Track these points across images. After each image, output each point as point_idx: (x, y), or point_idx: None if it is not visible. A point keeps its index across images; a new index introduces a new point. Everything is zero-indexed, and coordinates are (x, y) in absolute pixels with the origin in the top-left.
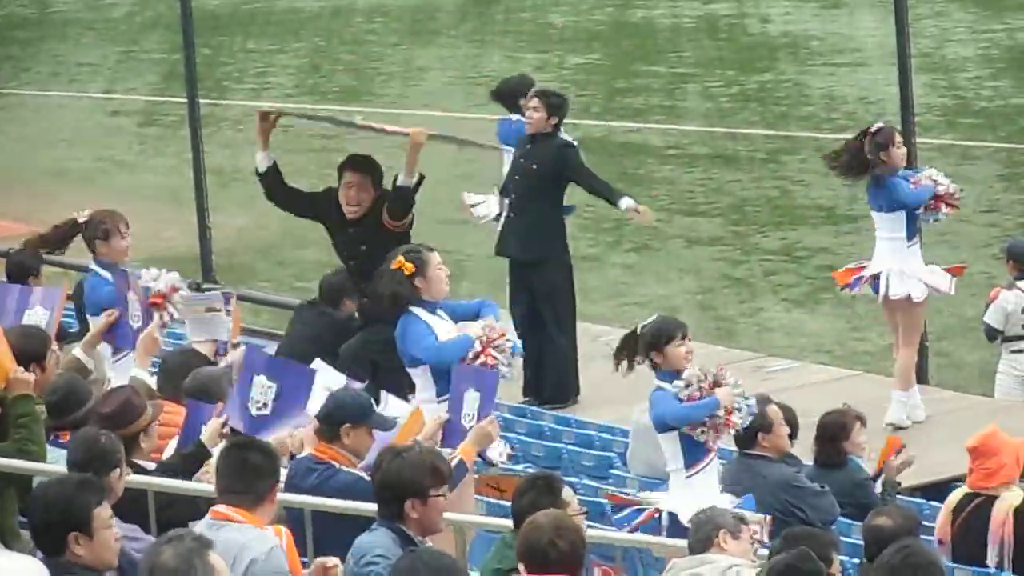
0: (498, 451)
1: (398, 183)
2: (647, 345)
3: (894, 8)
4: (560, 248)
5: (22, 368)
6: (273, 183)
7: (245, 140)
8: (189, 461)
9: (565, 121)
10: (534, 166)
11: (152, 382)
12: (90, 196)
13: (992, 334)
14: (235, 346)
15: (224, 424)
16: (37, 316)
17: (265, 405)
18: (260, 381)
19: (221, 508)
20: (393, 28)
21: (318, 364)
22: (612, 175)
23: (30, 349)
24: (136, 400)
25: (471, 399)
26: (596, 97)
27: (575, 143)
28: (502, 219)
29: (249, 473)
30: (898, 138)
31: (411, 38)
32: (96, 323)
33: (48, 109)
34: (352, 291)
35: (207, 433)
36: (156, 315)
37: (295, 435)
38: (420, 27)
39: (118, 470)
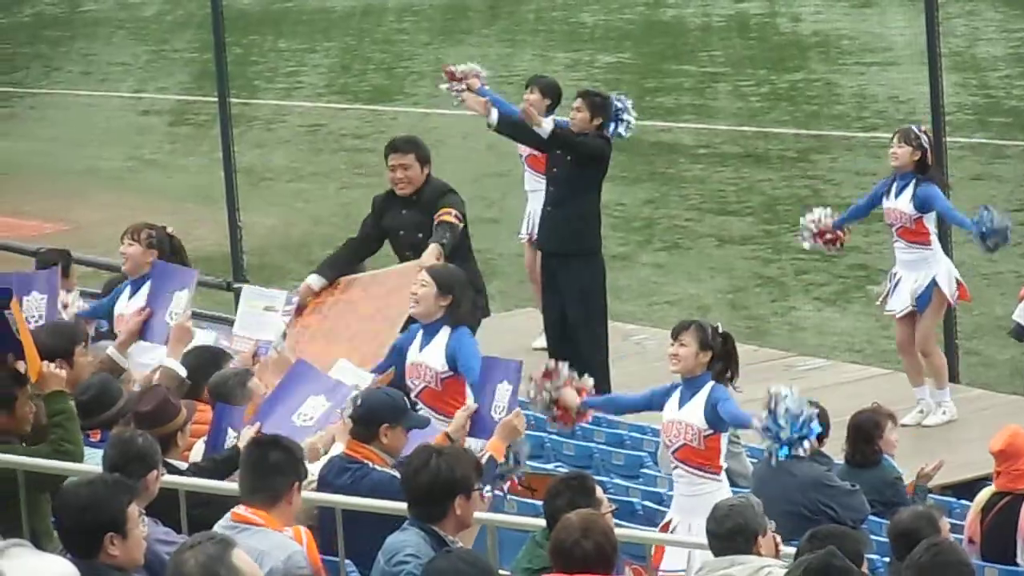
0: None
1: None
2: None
3: (924, 7)
4: (594, 242)
5: (53, 364)
6: (334, 272)
7: (276, 139)
8: (224, 466)
9: None
10: (568, 158)
11: (183, 373)
12: (121, 195)
13: (1020, 333)
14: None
15: (258, 432)
16: (35, 301)
17: (312, 419)
18: (317, 400)
19: (240, 510)
20: (424, 27)
21: (343, 364)
22: (643, 174)
23: (57, 345)
24: (173, 399)
25: (503, 391)
26: (627, 96)
27: (609, 137)
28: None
29: (268, 470)
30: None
31: (442, 37)
32: (129, 322)
33: (79, 108)
34: None
35: (242, 439)
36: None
37: (323, 435)
38: (451, 26)
39: (155, 471)
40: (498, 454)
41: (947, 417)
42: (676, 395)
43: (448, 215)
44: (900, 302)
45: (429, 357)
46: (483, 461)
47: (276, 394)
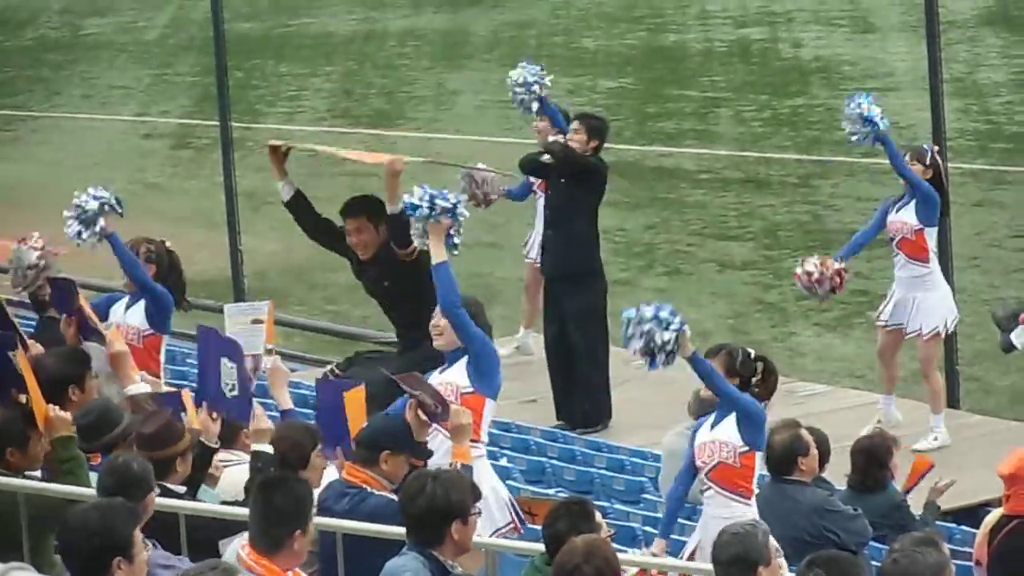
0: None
1: (388, 212)
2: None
3: (926, 33)
4: (594, 264)
5: (56, 406)
6: (300, 210)
7: None
8: (198, 463)
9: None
10: (562, 180)
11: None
12: (122, 219)
13: (1008, 347)
14: (269, 352)
15: (210, 413)
16: (226, 369)
17: (234, 387)
18: (225, 364)
19: (245, 553)
20: (425, 52)
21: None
22: (644, 199)
23: (69, 372)
24: (177, 423)
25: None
26: (628, 121)
27: (605, 161)
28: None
29: (271, 516)
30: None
31: (443, 62)
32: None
33: (81, 132)
34: None
35: (204, 430)
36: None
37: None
38: (452, 51)
39: (151, 494)
40: (466, 459)
41: (938, 443)
42: (710, 419)
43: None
44: (891, 316)
45: (452, 376)
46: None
47: (201, 371)
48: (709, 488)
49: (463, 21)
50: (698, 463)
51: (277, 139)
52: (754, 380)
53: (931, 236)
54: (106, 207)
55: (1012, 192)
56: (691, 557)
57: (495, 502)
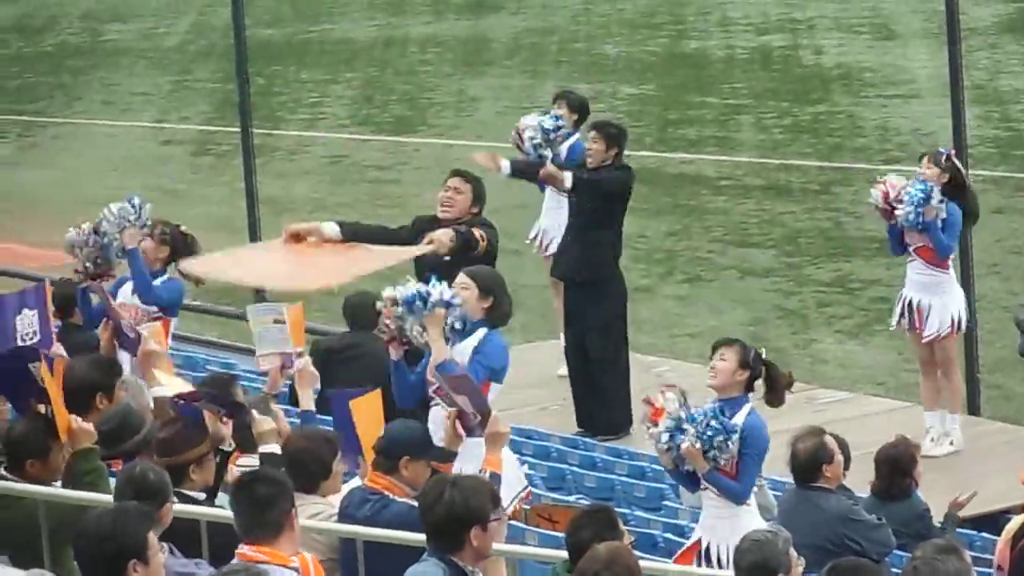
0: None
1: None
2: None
3: (947, 40)
4: (613, 271)
5: (78, 417)
6: (354, 236)
7: (299, 170)
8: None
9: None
10: (587, 189)
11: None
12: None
13: None
14: (300, 355)
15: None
16: (28, 318)
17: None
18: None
19: (245, 550)
20: (447, 58)
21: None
22: (665, 206)
23: (98, 379)
24: (195, 429)
25: (464, 402)
26: (649, 128)
27: (630, 168)
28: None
29: (259, 506)
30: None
31: (465, 68)
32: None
33: (101, 138)
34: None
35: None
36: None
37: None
38: (474, 57)
39: (168, 504)
40: (496, 468)
41: (952, 448)
42: None
43: (477, 229)
44: (931, 326)
45: (456, 355)
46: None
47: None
48: (708, 488)
49: (484, 27)
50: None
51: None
52: (759, 381)
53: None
54: (126, 222)
55: None
56: (695, 551)
57: (509, 467)
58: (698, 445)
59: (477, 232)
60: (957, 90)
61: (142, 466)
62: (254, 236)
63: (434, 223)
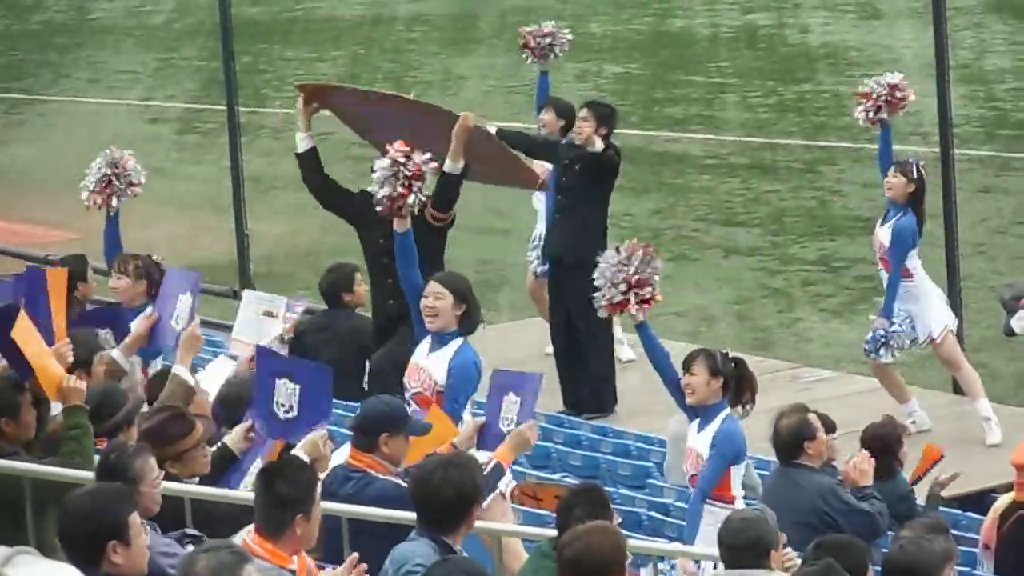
0: (504, 482)
1: (445, 169)
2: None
3: (933, 19)
4: (599, 251)
5: (73, 376)
6: (310, 166)
7: (285, 148)
8: (216, 467)
9: None
10: (576, 167)
11: (192, 381)
12: (129, 203)
13: (1010, 332)
14: (283, 341)
15: (250, 429)
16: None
17: (291, 408)
18: (283, 384)
19: (249, 538)
20: (433, 37)
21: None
22: (651, 184)
23: (77, 355)
24: (180, 421)
25: (510, 403)
26: (635, 107)
27: (618, 150)
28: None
29: (272, 501)
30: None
31: (451, 47)
32: (137, 325)
33: (87, 116)
34: (349, 284)
35: (232, 437)
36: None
37: (325, 437)
38: (460, 36)
39: (144, 488)
40: (505, 462)
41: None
42: (696, 422)
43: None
44: (922, 334)
45: (433, 366)
46: (490, 468)
47: (258, 386)
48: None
49: (470, 6)
50: (684, 466)
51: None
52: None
53: (912, 257)
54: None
55: (1018, 179)
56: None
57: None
58: None
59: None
60: (942, 69)
61: (118, 451)
62: (240, 214)
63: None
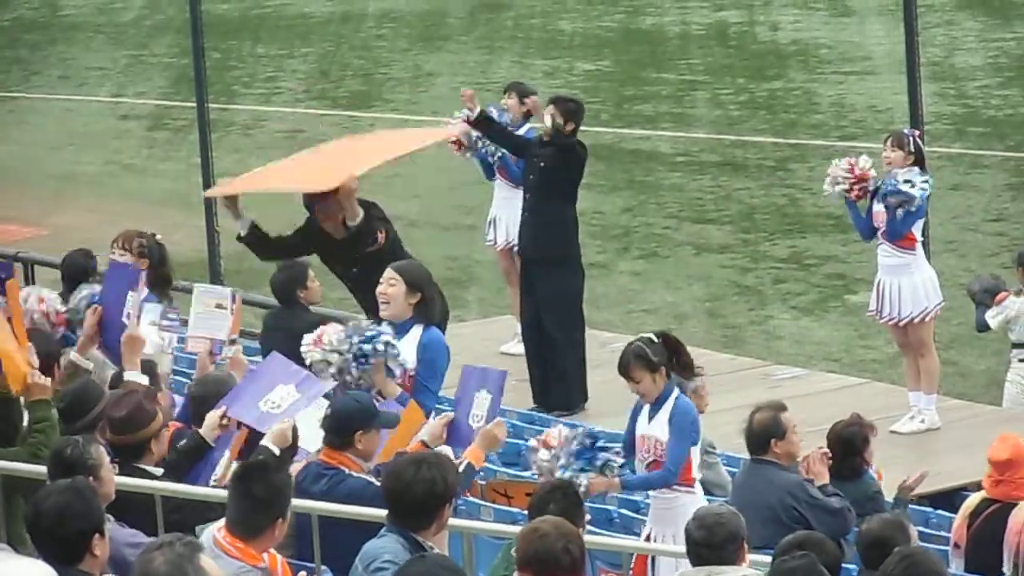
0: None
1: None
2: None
3: (903, 16)
4: (570, 248)
5: (39, 372)
6: (257, 245)
7: (254, 145)
8: (189, 456)
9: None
10: (542, 164)
11: (145, 382)
12: (99, 200)
13: (983, 327)
14: (232, 342)
15: (223, 416)
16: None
17: (279, 407)
18: (286, 390)
19: (220, 535)
20: (403, 34)
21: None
22: (621, 182)
23: (42, 352)
24: (147, 406)
25: (481, 400)
26: (605, 104)
27: (584, 145)
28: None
29: (249, 504)
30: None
31: (421, 44)
32: (86, 323)
33: (57, 113)
34: (303, 281)
35: (206, 425)
36: (135, 318)
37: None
38: (430, 33)
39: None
40: (477, 462)
41: (924, 426)
42: (646, 409)
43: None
44: (904, 310)
45: (402, 350)
46: (461, 468)
47: (245, 381)
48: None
49: (440, 3)
50: (637, 454)
51: (231, 180)
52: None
53: (918, 227)
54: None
55: (988, 176)
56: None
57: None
58: (593, 476)
59: (380, 235)
60: (913, 67)
61: (72, 445)
62: (209, 211)
63: (324, 236)
